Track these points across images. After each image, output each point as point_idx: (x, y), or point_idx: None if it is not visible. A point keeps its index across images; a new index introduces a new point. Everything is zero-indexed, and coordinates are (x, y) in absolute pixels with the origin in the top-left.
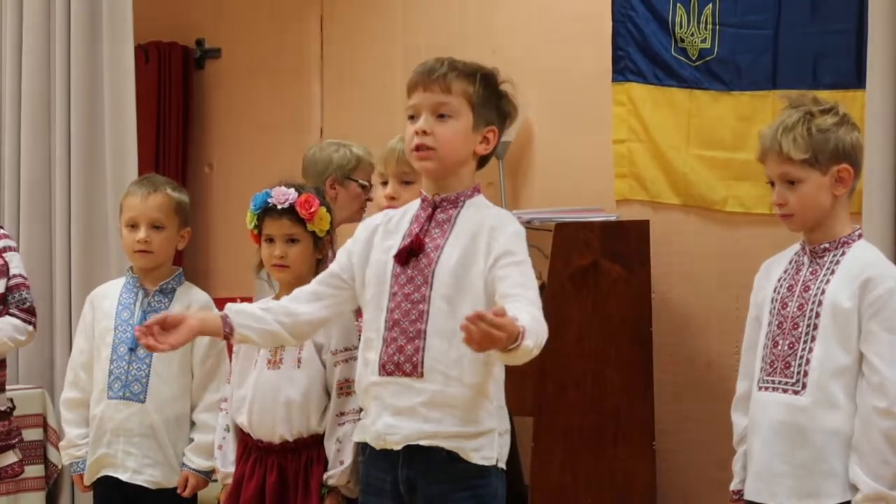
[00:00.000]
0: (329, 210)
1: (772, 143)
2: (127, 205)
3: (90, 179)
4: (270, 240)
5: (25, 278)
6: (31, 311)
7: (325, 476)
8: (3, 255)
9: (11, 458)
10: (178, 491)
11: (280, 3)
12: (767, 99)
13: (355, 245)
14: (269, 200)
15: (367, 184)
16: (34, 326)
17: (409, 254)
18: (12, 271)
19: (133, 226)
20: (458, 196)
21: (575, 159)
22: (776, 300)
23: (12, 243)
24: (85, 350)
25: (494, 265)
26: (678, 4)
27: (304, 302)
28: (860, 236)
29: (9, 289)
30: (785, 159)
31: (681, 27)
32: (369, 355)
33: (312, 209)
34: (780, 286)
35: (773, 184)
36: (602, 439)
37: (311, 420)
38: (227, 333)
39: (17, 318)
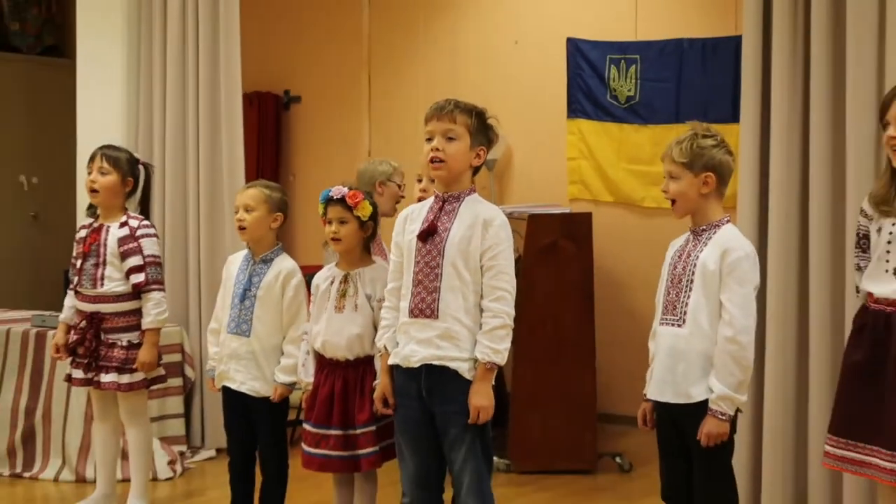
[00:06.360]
0: (373, 204)
1: (667, 150)
2: (236, 198)
3: (212, 184)
4: (330, 222)
5: (157, 257)
6: (160, 282)
7: (374, 383)
8: (140, 240)
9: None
10: (271, 398)
11: (340, 64)
12: (673, 130)
13: (398, 236)
14: (330, 193)
15: (401, 184)
16: (163, 290)
17: (427, 234)
18: (146, 252)
19: (236, 211)
20: (460, 194)
21: (542, 171)
22: (671, 264)
23: (150, 230)
24: (222, 297)
25: (486, 251)
26: (612, 65)
27: (399, 297)
28: (728, 221)
29: (146, 265)
30: (672, 160)
31: (614, 81)
32: (403, 304)
33: (357, 200)
34: (675, 255)
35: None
36: (560, 360)
37: (364, 346)
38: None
39: (153, 291)
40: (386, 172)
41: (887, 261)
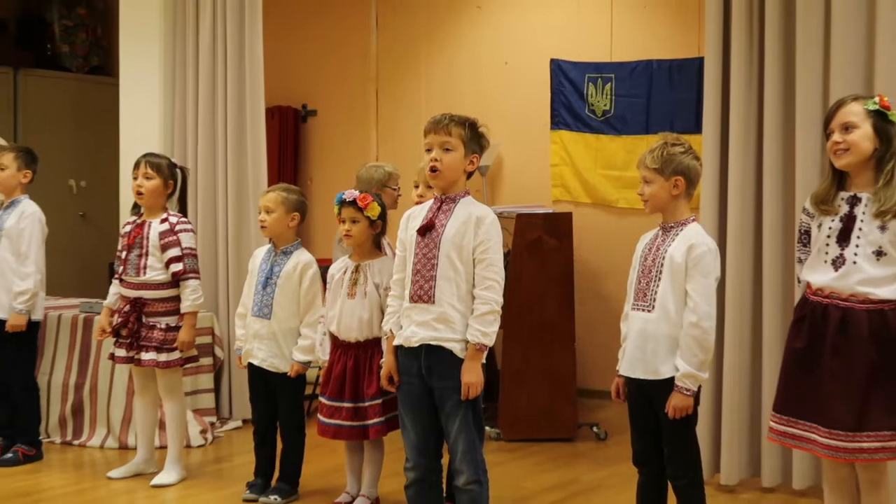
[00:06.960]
0: (381, 205)
1: (641, 157)
2: (259, 200)
3: (239, 187)
4: (344, 221)
5: (193, 249)
6: (196, 271)
7: (381, 361)
8: (178, 234)
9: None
10: (289, 374)
11: (351, 81)
12: (644, 140)
13: (402, 234)
14: (343, 196)
15: (397, 187)
16: (199, 278)
17: (426, 229)
18: (184, 244)
19: (259, 212)
20: (456, 196)
21: (528, 176)
22: (642, 256)
23: (188, 226)
24: (248, 285)
25: (478, 246)
26: (590, 83)
27: (402, 287)
28: (693, 220)
29: (184, 255)
30: (645, 166)
31: (591, 96)
32: (405, 292)
33: (367, 202)
34: (646, 249)
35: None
36: (544, 341)
37: (373, 328)
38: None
39: (190, 279)
40: (382, 179)
41: (826, 253)
